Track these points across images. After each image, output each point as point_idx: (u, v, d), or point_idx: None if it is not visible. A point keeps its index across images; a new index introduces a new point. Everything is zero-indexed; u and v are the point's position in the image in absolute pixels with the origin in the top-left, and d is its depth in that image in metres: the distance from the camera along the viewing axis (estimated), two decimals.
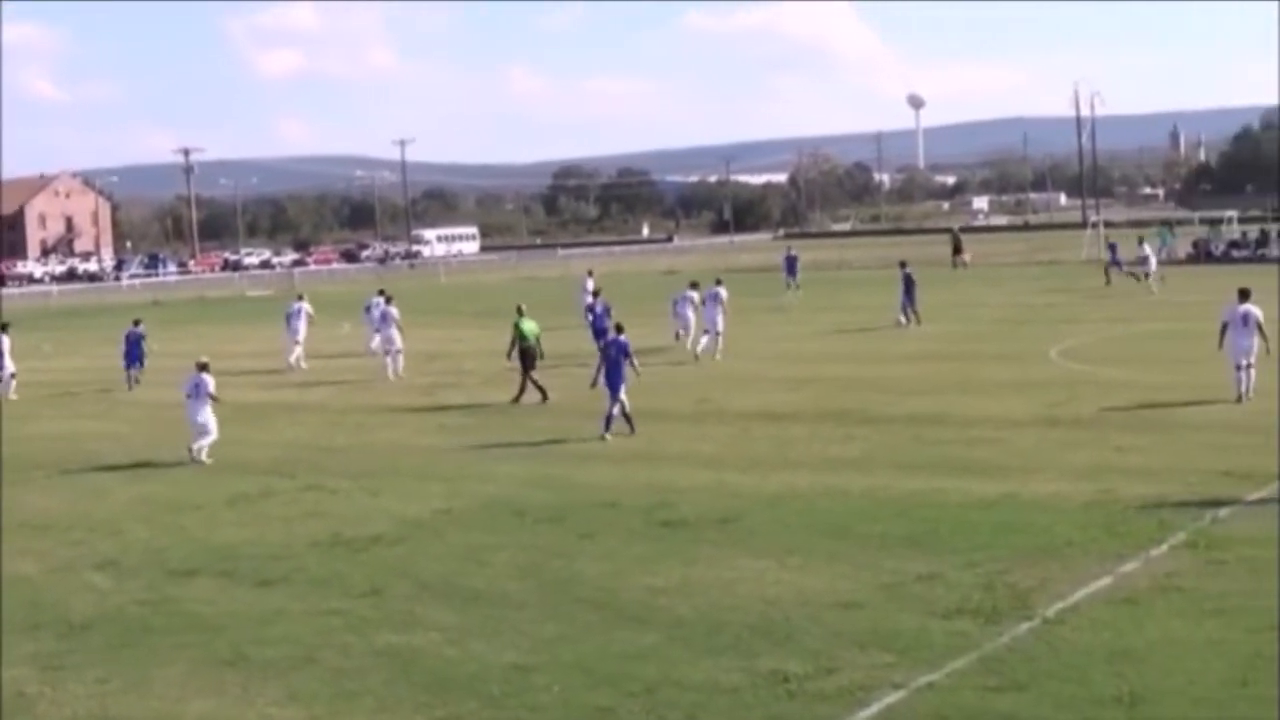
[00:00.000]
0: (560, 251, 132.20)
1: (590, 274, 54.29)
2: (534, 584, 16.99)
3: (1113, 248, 65.40)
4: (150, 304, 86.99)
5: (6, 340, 41.53)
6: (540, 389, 32.77)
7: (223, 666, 14.51)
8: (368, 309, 44.55)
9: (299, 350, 43.91)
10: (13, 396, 39.85)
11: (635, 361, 28.55)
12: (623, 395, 27.77)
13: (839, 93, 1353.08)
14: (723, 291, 41.52)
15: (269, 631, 15.61)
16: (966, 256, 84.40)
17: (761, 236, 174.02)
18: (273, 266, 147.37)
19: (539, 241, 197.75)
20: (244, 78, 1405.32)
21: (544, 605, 16.09)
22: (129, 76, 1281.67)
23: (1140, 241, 63.01)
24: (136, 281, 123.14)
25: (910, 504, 20.26)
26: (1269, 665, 12.89)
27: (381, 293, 43.76)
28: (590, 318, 41.85)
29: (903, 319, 47.32)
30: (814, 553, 17.72)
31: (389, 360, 39.88)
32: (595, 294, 43.37)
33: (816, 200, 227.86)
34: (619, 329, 29.01)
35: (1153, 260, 60.37)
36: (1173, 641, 13.71)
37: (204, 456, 26.99)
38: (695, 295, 41.94)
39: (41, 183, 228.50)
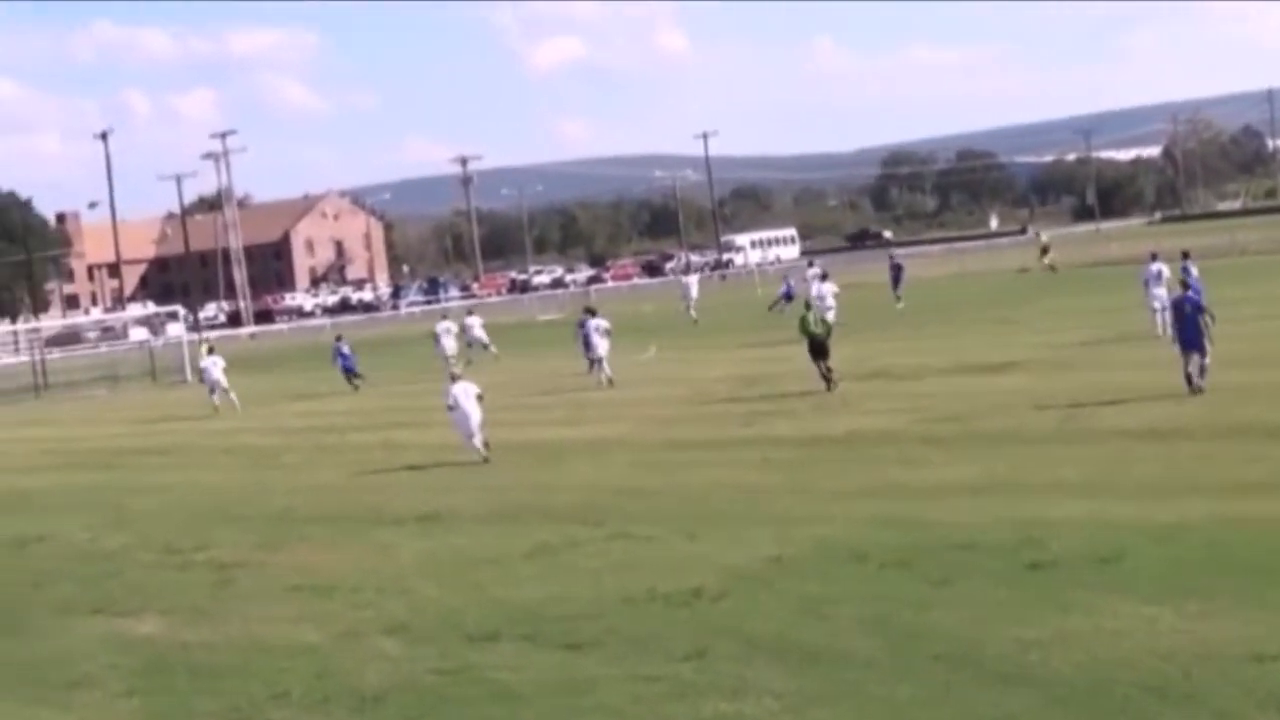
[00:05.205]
0: (895, 251, 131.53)
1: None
2: (882, 640, 16.89)
3: None
4: (430, 334, 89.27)
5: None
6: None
7: None
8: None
9: (604, 368, 46.62)
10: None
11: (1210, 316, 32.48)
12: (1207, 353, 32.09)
13: (1215, 47, 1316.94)
14: (1166, 269, 45.63)
15: (580, 701, 15.83)
16: (1049, 259, 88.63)
17: (1133, 222, 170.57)
18: (566, 285, 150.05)
19: (869, 242, 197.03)
20: (519, 75, 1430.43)
21: (895, 664, 15.98)
22: (393, 82, 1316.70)
23: None
24: (416, 309, 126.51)
25: None
26: None
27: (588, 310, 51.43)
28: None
29: None
30: (1217, 595, 17.23)
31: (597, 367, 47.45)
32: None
33: (1197, 175, 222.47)
34: (1184, 284, 34.42)
35: None
36: None
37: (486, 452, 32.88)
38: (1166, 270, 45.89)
39: (306, 205, 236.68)
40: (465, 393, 33.16)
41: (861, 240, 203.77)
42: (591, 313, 49.98)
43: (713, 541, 22.97)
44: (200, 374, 55.60)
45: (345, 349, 56.95)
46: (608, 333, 47.72)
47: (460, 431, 33.50)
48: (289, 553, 25.78)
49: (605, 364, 47.47)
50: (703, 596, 19.63)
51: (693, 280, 77.59)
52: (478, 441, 33.11)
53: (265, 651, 19.23)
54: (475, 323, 65.38)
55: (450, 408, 33.45)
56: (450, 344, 59.67)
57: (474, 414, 33.01)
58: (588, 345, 48.65)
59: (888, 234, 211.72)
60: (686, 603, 19.41)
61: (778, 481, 27.80)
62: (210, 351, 56.69)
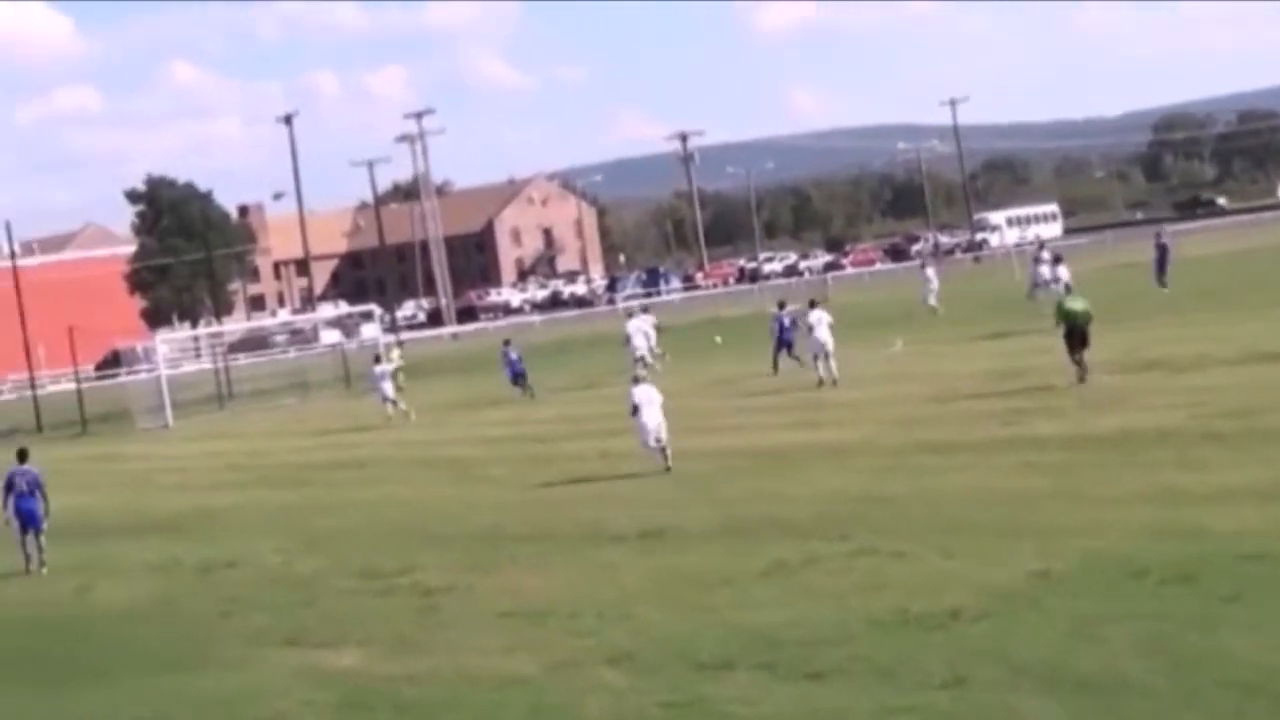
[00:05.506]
0: (1169, 228, 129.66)
1: None
2: (1164, 664, 16.69)
3: None
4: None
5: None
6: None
7: None
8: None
9: (830, 365, 48.31)
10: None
11: None
12: None
13: None
14: None
15: None
16: None
17: None
18: (800, 273, 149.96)
19: (1140, 216, 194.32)
20: (743, 41, 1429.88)
21: (1178, 691, 15.79)
22: (601, 54, 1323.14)
23: None
24: (634, 303, 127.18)
25: None
26: None
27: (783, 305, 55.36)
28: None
29: None
30: None
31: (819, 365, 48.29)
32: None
33: None
34: None
35: None
36: None
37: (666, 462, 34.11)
38: None
39: (512, 190, 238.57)
40: (648, 398, 34.49)
41: (1192, 209, 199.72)
42: (812, 304, 50.83)
43: (969, 556, 22.84)
44: (381, 380, 56.94)
45: (514, 355, 59.14)
46: (831, 327, 47.98)
47: (640, 438, 34.64)
48: (499, 575, 26.01)
49: (832, 360, 47.54)
50: (960, 618, 19.53)
51: (932, 273, 79.23)
52: (658, 450, 34.25)
53: (475, 684, 19.44)
54: (648, 321, 67.00)
55: (632, 411, 34.67)
56: (641, 343, 60.76)
57: (651, 421, 34.23)
58: (783, 344, 51.19)
59: (1221, 201, 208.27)
60: (942, 625, 19.32)
61: (1041, 487, 27.53)
62: (377, 360, 58.51)
